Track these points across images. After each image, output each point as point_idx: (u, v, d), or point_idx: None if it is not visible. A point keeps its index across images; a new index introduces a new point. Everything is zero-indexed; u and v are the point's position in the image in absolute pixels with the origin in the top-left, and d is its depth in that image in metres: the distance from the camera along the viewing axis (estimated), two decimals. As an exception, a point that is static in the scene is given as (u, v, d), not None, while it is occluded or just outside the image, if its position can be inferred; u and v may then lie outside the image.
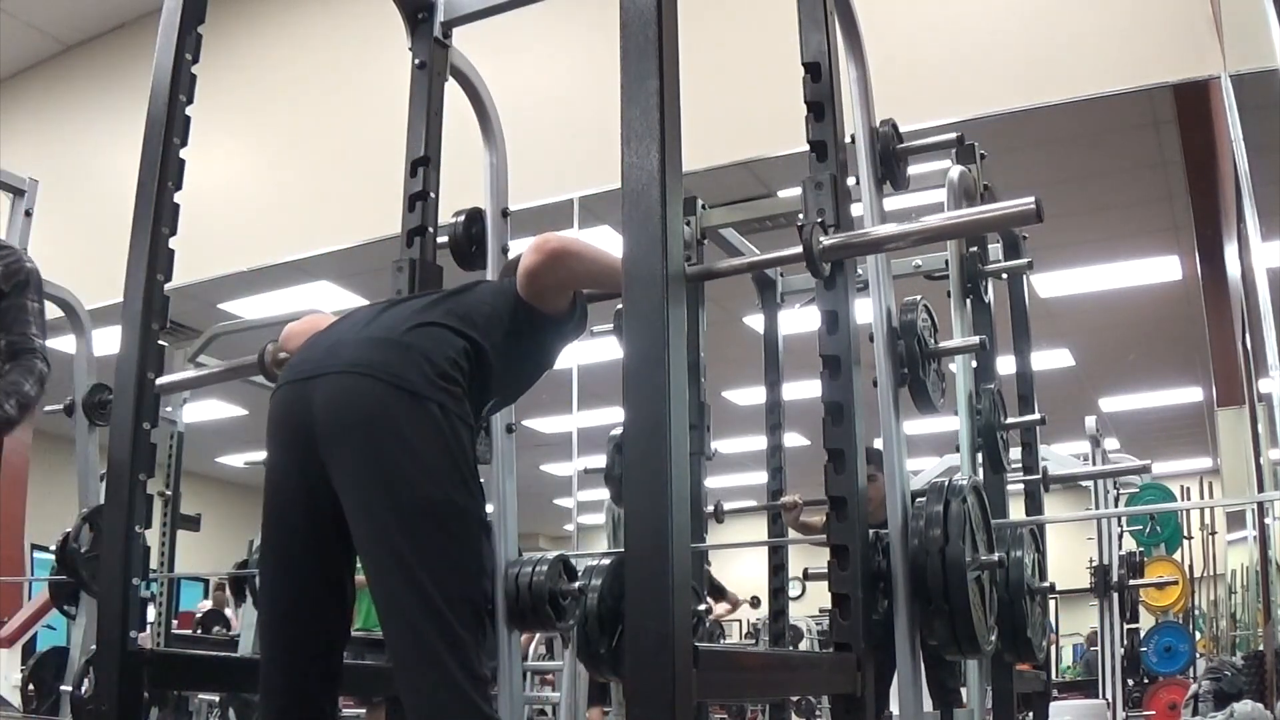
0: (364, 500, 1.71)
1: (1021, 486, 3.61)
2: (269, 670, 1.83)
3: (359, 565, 1.82)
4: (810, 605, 7.96)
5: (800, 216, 2.01)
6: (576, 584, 2.60)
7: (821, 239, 1.74)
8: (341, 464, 1.73)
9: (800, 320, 4.06)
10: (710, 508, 3.75)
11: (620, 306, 1.44)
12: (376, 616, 1.79)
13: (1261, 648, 5.19)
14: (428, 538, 1.69)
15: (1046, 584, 2.56)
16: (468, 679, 1.66)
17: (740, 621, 10.67)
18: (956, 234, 1.73)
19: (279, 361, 2.26)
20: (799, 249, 1.74)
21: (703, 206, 3.82)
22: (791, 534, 4.34)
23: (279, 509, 1.83)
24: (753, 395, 5.05)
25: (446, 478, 1.72)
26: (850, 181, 2.11)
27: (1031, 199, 1.60)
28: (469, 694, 1.66)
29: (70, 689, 4.25)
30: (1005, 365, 3.69)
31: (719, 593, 6.07)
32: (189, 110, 2.16)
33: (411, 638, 1.67)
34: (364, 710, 5.25)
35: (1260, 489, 4.99)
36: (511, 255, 1.92)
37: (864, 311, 2.13)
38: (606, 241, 1.90)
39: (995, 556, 2.13)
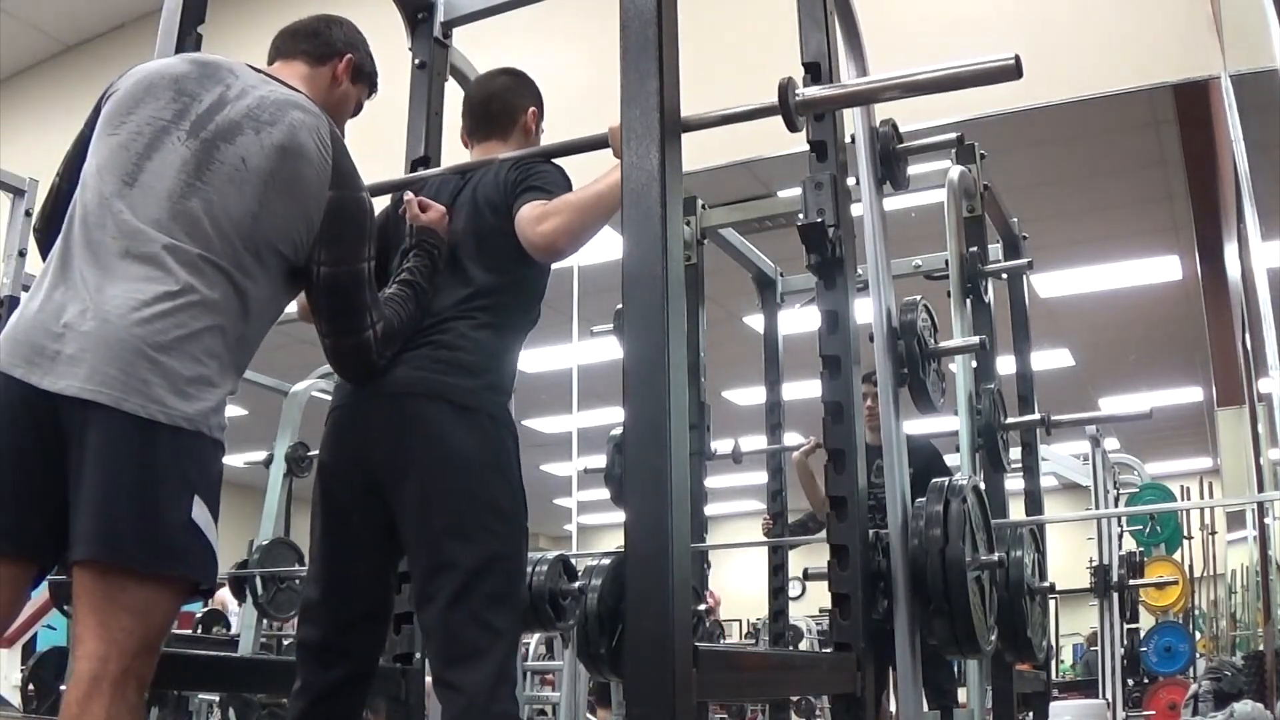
0: (418, 508, 1.80)
1: (1021, 485, 3.62)
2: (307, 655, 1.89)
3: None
4: (810, 605, 7.97)
5: (800, 215, 2.01)
6: (576, 584, 2.60)
7: (799, 91, 1.73)
8: (397, 477, 1.81)
9: (800, 320, 4.06)
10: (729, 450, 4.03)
11: (620, 306, 1.44)
12: (417, 615, 1.91)
13: (1261, 648, 5.19)
14: (476, 541, 1.78)
15: (1046, 584, 2.56)
16: (501, 679, 1.75)
17: (740, 621, 10.68)
18: (936, 88, 1.72)
19: None
20: (774, 100, 1.71)
21: (703, 206, 3.82)
22: (792, 533, 4.34)
23: (333, 510, 1.91)
24: (753, 395, 5.05)
25: (495, 485, 1.83)
26: (850, 181, 2.11)
27: (1012, 55, 1.58)
28: (500, 692, 1.74)
29: (70, 689, 4.24)
30: (1005, 365, 3.69)
31: None
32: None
33: (455, 636, 1.76)
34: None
35: (1260, 489, 4.99)
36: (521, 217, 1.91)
37: (864, 311, 2.13)
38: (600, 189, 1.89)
39: (995, 556, 2.13)
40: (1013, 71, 1.58)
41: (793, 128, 1.75)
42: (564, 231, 1.86)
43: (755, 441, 4.33)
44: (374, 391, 1.85)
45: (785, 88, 1.71)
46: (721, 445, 4.01)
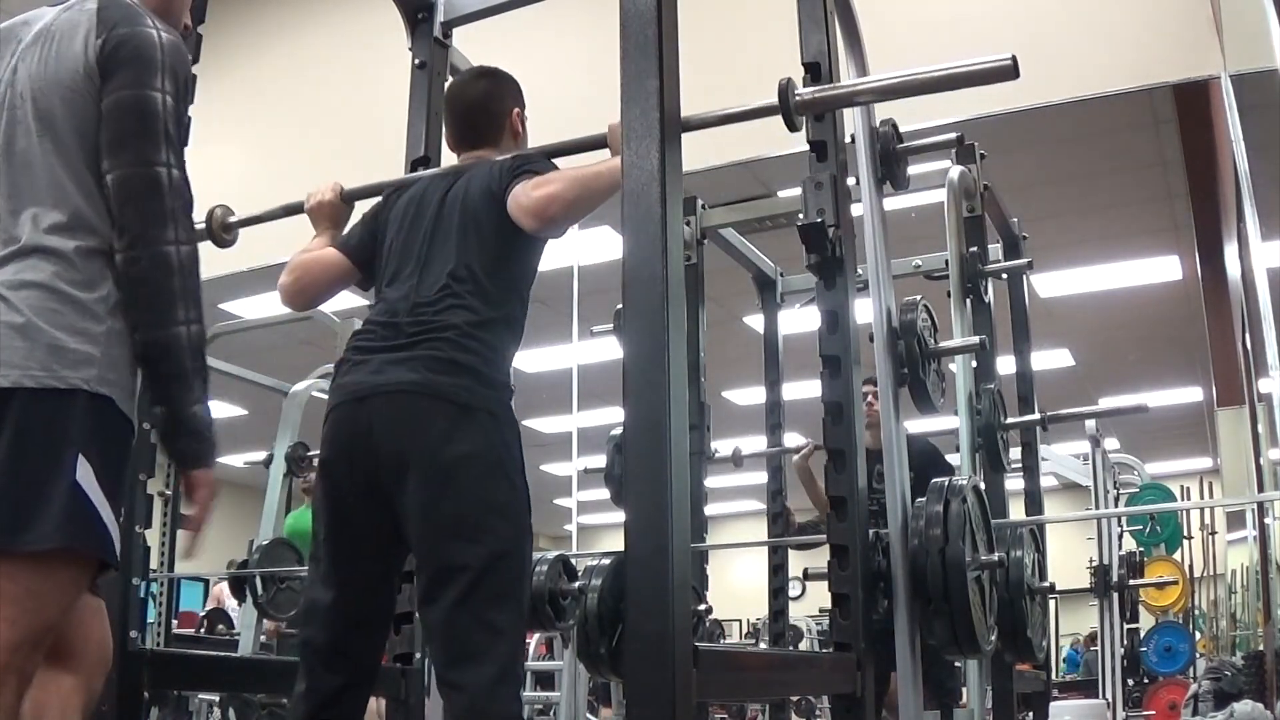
0: (420, 508, 1.80)
1: (1021, 485, 3.62)
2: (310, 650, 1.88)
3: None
4: (810, 605, 7.97)
5: (800, 215, 2.01)
6: (576, 584, 2.60)
7: (798, 91, 1.74)
8: (398, 477, 1.81)
9: (800, 320, 4.06)
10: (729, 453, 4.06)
11: (620, 306, 1.44)
12: (420, 615, 1.91)
13: (1261, 648, 5.20)
14: (478, 542, 1.78)
15: (1046, 584, 2.56)
16: (504, 679, 1.74)
17: (740, 621, 10.67)
18: (934, 88, 1.74)
19: (226, 226, 2.40)
20: (775, 100, 1.72)
21: (703, 206, 3.81)
22: (792, 533, 4.33)
23: (336, 511, 1.90)
24: (753, 395, 5.05)
25: (497, 484, 1.82)
26: (850, 181, 2.11)
27: (1009, 55, 1.58)
28: (503, 692, 1.73)
29: (70, 689, 4.24)
30: (1005, 365, 3.69)
31: None
32: (189, 110, 2.16)
33: (458, 636, 1.76)
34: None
35: (1260, 489, 5.00)
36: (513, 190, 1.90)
37: (864, 311, 2.13)
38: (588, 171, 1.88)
39: (995, 556, 2.13)
40: (1010, 71, 1.59)
41: (792, 127, 1.76)
42: (558, 198, 1.86)
43: (755, 442, 4.33)
44: (372, 391, 1.85)
45: (785, 88, 1.72)
46: (722, 445, 4.01)
